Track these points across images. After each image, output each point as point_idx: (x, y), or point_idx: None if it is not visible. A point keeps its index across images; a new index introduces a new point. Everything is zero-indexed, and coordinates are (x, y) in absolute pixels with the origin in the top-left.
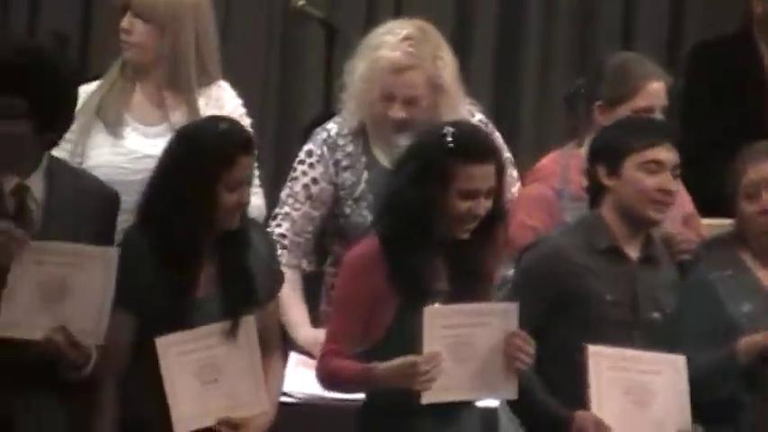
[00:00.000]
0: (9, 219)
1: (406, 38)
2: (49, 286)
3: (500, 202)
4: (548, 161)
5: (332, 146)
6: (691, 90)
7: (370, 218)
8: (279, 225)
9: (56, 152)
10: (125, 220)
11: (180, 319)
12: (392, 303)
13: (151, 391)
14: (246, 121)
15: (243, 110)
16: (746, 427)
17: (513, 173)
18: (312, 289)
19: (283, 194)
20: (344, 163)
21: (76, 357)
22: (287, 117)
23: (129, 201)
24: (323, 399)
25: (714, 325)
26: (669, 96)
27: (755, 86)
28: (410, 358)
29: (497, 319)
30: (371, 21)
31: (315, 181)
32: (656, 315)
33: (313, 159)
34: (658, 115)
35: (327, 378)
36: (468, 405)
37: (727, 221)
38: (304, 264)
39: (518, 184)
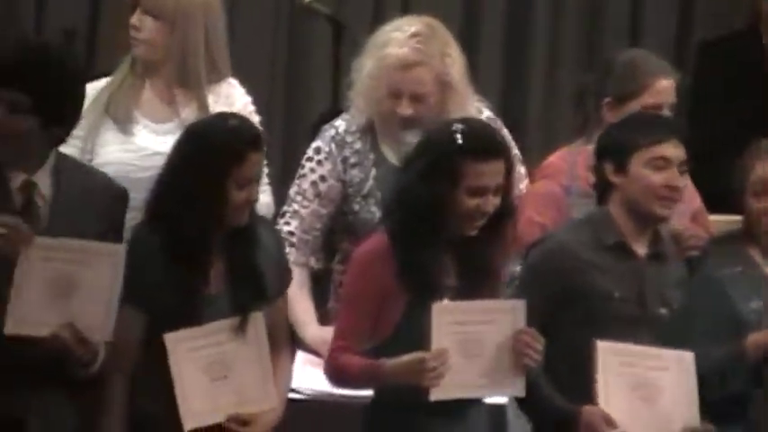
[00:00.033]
0: (16, 214)
1: (414, 35)
2: (56, 283)
3: (508, 199)
4: (556, 158)
5: (340, 143)
6: (698, 87)
7: (378, 215)
8: (287, 223)
9: (65, 149)
10: (134, 217)
11: (189, 316)
12: (401, 300)
13: (161, 388)
14: (256, 119)
15: (252, 107)
16: (754, 424)
17: (520, 169)
18: (320, 287)
19: (291, 192)
20: (352, 160)
21: (84, 354)
22: (294, 114)
23: (139, 198)
24: (331, 395)
25: (722, 321)
26: (677, 93)
27: (763, 83)
28: (418, 355)
29: (505, 316)
30: (379, 18)
31: (323, 178)
32: (663, 311)
33: (321, 157)
34: (667, 112)
35: (336, 374)
36: (476, 402)
37: (735, 218)
38: (312, 261)
39: (526, 181)
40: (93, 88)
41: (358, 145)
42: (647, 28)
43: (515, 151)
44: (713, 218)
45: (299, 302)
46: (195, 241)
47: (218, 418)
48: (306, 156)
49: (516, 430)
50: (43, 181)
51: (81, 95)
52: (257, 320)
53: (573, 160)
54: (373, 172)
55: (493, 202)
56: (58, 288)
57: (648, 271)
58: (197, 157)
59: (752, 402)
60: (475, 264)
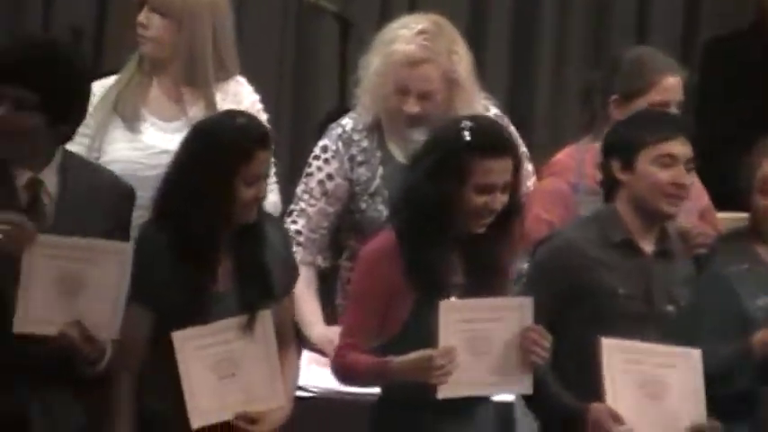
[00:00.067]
0: (22, 212)
1: (421, 32)
2: (63, 281)
3: (516, 196)
4: (563, 155)
5: (347, 141)
6: (705, 84)
7: (385, 213)
8: (294, 221)
9: (73, 147)
10: (141, 215)
11: (197, 314)
12: (408, 297)
13: (168, 386)
14: (264, 117)
15: (260, 105)
16: (761, 421)
17: (528, 167)
18: (327, 284)
19: (298, 190)
20: (359, 158)
21: (91, 352)
22: (301, 112)
23: (146, 196)
24: (338, 393)
25: (729, 318)
26: (684, 90)
27: None
28: (426, 352)
29: (513, 314)
30: (386, 15)
31: (330, 177)
32: (670, 308)
33: (328, 155)
34: (674, 110)
35: (343, 372)
36: (483, 400)
37: (742, 215)
38: (319, 260)
39: (533, 178)
40: (101, 86)
41: (365, 143)
42: (653, 26)
43: (523, 148)
44: (721, 215)
45: (306, 302)
46: (203, 239)
47: (225, 416)
48: (313, 154)
49: (524, 428)
50: (50, 179)
51: (87, 93)
52: (265, 318)
53: (581, 158)
54: (380, 170)
55: (501, 200)
56: (65, 286)
57: (655, 268)
58: (204, 154)
59: (759, 400)
60: (482, 261)
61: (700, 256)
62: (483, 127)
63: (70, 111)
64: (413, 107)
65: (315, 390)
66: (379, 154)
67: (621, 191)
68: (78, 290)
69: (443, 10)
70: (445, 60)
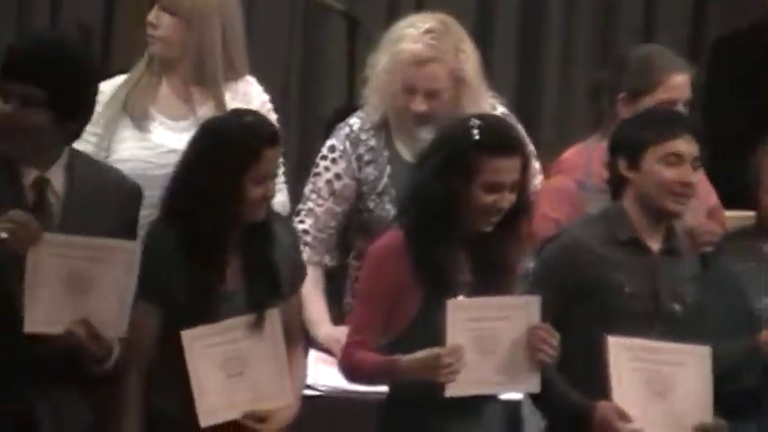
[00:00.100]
0: (28, 211)
1: (429, 31)
2: (70, 280)
3: (524, 195)
4: (571, 153)
5: (354, 141)
6: (712, 83)
7: (393, 212)
8: (302, 221)
9: (82, 146)
10: (150, 214)
11: (205, 313)
12: (416, 296)
13: (176, 385)
14: (273, 117)
15: (270, 105)
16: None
17: (535, 165)
18: (335, 283)
19: (306, 190)
20: (367, 157)
21: (98, 350)
22: (309, 111)
23: (155, 195)
24: (346, 391)
25: (736, 317)
26: (691, 89)
27: None
28: (434, 350)
29: (520, 312)
30: (393, 14)
31: (338, 176)
32: (676, 307)
33: (336, 155)
34: (681, 108)
35: (351, 370)
36: (491, 398)
37: (750, 214)
38: (327, 259)
39: (540, 177)
40: (110, 86)
41: (372, 142)
42: (660, 25)
43: (530, 147)
44: (728, 214)
45: (313, 301)
46: (211, 238)
47: (234, 414)
48: (320, 154)
49: (531, 427)
50: (56, 177)
51: (95, 92)
52: (273, 317)
53: (588, 156)
54: (388, 169)
55: (509, 199)
56: (72, 285)
57: (662, 267)
58: (213, 153)
59: (766, 398)
60: (490, 260)
61: (706, 254)
62: (491, 125)
63: (77, 109)
64: (420, 106)
65: (322, 388)
66: (386, 153)
67: (628, 189)
68: (85, 289)
69: (450, 9)
70: (452, 59)
